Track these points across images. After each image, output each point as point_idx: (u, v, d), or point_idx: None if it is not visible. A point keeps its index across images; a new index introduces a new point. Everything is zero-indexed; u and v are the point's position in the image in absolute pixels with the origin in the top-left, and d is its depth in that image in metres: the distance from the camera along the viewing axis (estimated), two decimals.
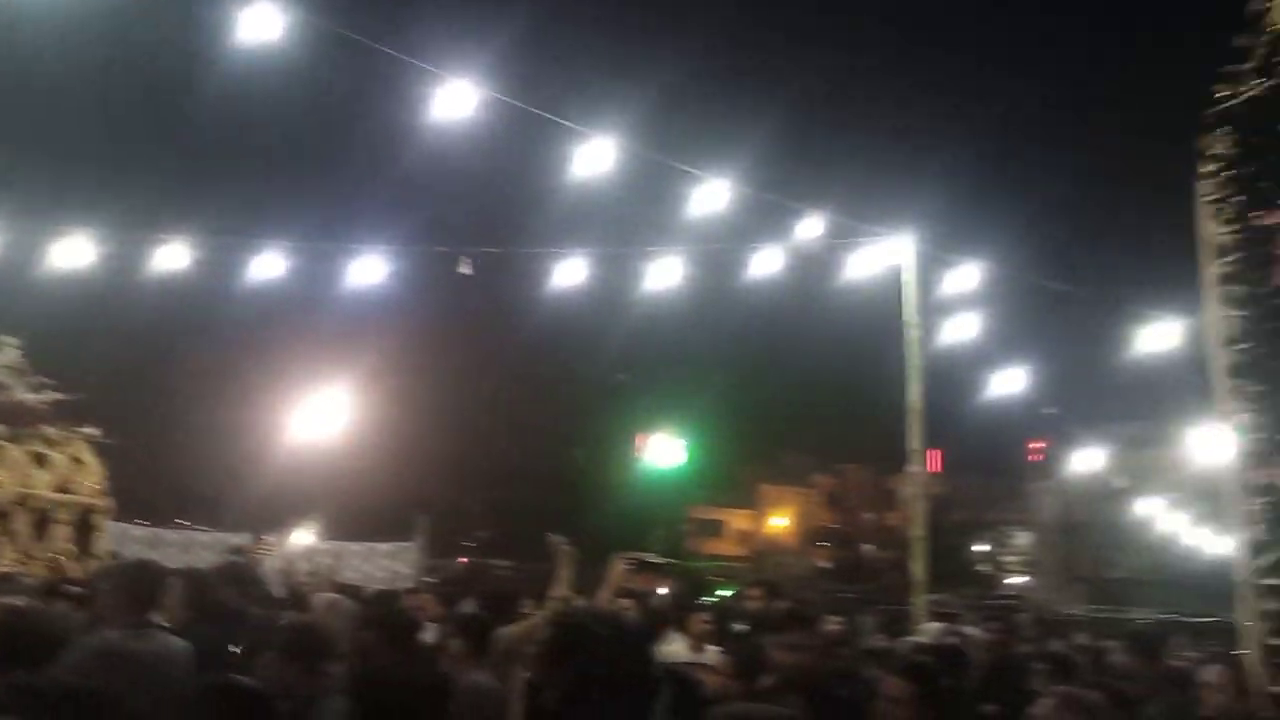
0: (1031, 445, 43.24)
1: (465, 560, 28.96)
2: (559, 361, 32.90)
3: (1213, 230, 3.24)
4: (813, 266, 10.99)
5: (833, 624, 6.32)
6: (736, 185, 9.28)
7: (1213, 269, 3.24)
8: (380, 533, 14.09)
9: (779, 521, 58.25)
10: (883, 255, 10.68)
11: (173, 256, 10.42)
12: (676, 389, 36.21)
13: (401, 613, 5.16)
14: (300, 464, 20.78)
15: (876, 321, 12.15)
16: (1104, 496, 32.25)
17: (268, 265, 10.65)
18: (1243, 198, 3.16)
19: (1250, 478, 3.06)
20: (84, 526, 11.21)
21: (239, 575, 6.02)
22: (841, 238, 10.56)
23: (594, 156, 8.36)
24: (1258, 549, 3.03)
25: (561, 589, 5.94)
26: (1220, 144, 3.27)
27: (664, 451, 37.54)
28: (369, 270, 10.73)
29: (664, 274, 10.92)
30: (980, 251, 11.50)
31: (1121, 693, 4.04)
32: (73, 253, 10.03)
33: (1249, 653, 3.01)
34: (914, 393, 10.74)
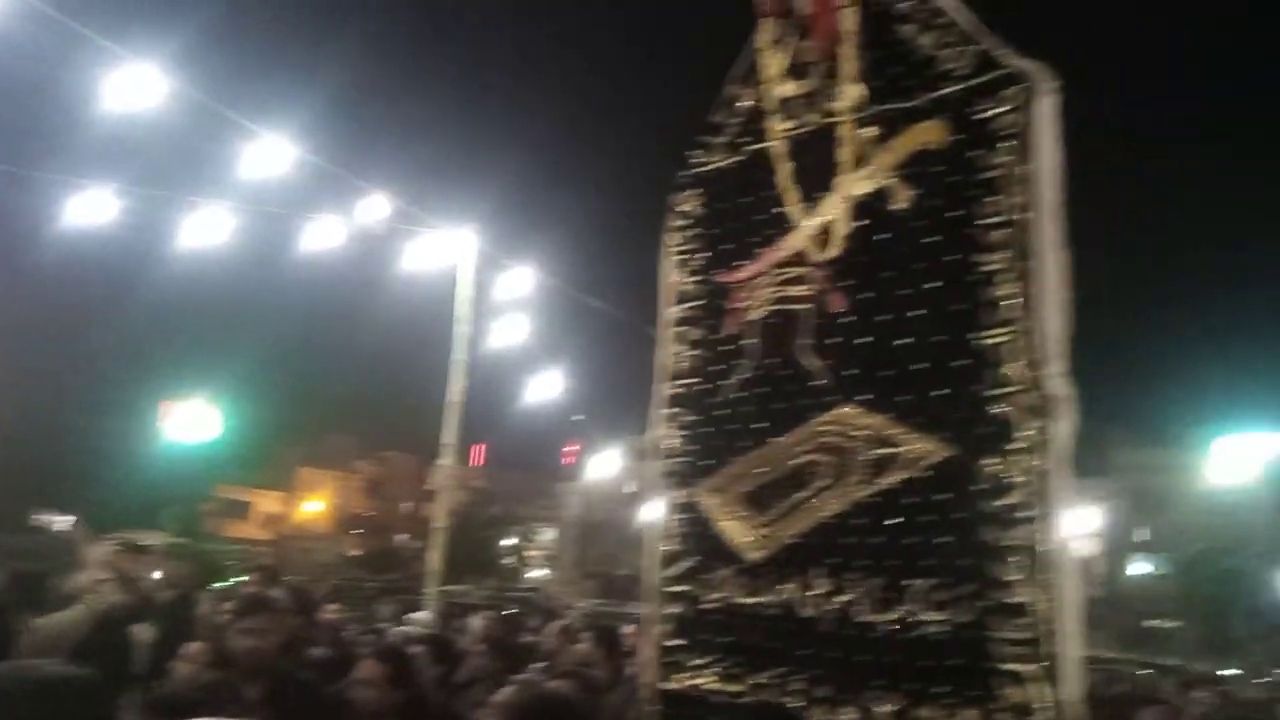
0: (567, 448, 45.95)
1: None
2: (76, 310, 29.00)
3: (676, 278, 3.70)
4: (373, 248, 10.78)
5: (331, 612, 6.23)
6: (300, 150, 8.83)
7: (671, 311, 3.70)
8: None
9: (313, 506, 56.25)
10: (443, 247, 10.77)
11: None
12: (215, 356, 33.56)
13: None
14: None
15: (434, 312, 12.19)
16: (617, 500, 35.20)
17: None
18: (707, 254, 3.58)
19: (673, 496, 3.51)
20: None
21: None
22: (406, 224, 10.48)
23: (136, 87, 7.49)
24: (670, 558, 3.47)
25: (95, 574, 5.14)
26: (690, 204, 3.70)
27: (193, 422, 34.51)
28: None
29: (209, 229, 10.07)
30: (533, 258, 12.03)
31: (590, 680, 4.39)
32: None
33: (648, 652, 3.44)
34: (455, 388, 10.91)
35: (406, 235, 10.51)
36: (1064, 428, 2.67)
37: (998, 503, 2.68)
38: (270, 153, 8.65)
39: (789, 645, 3.04)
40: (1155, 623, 38.42)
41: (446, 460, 11.12)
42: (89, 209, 9.57)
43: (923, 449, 2.87)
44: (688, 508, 3.47)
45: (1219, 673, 21.50)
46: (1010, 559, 2.62)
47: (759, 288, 3.38)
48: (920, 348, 2.92)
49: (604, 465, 25.45)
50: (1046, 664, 2.52)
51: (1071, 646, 2.55)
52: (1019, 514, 2.64)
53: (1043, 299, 2.73)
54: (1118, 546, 41.59)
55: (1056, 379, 2.70)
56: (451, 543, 10.36)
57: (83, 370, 30.99)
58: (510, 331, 12.50)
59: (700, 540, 3.41)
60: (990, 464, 2.71)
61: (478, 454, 57.33)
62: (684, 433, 3.57)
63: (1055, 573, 2.57)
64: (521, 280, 11.91)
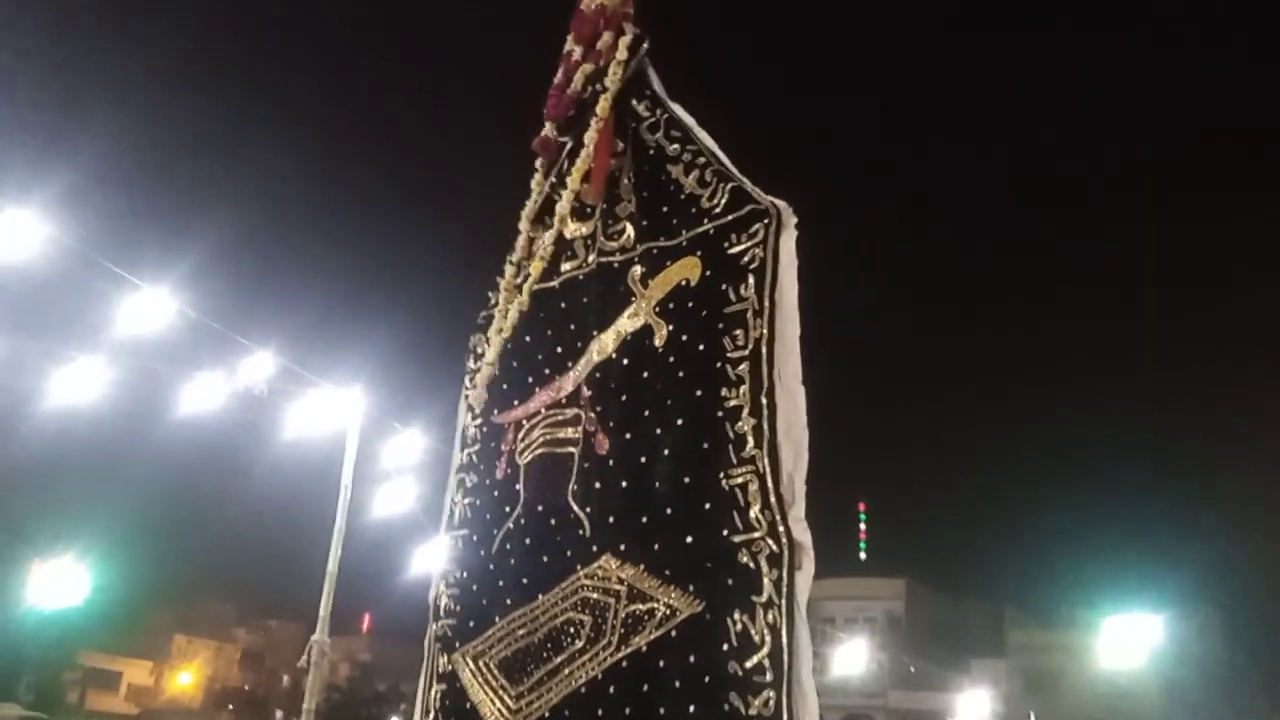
0: None
1: None
2: None
3: (464, 421, 3.55)
4: (256, 407, 10.50)
5: None
6: (180, 304, 8.66)
7: (455, 457, 3.59)
8: None
9: (186, 678, 52.58)
10: (328, 408, 10.53)
11: None
12: (86, 513, 31.81)
13: None
14: None
15: (320, 474, 11.80)
16: None
17: None
18: (487, 396, 3.49)
19: (437, 664, 3.31)
20: None
21: None
22: (290, 383, 10.26)
23: (8, 234, 7.31)
24: None
25: None
26: (481, 345, 3.63)
27: (59, 583, 32.39)
28: None
29: (84, 382, 9.71)
30: (423, 422, 11.84)
31: None
32: None
33: None
34: (334, 558, 10.46)
35: (290, 395, 10.28)
36: (804, 578, 2.48)
37: (743, 664, 2.45)
38: (148, 306, 8.47)
39: None
40: None
41: (321, 635, 10.52)
42: None
43: (671, 605, 2.65)
44: (449, 678, 3.21)
45: None
46: None
47: (531, 430, 3.24)
48: (673, 490, 2.75)
49: None
50: None
51: None
52: (761, 678, 2.42)
53: (780, 436, 2.59)
54: None
55: (797, 523, 2.52)
56: None
57: None
58: (399, 496, 12.16)
59: (459, 716, 3.14)
60: (735, 620, 2.49)
61: (363, 622, 54.74)
62: (452, 591, 3.36)
63: None
64: (411, 444, 11.68)
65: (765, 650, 2.42)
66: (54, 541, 31.63)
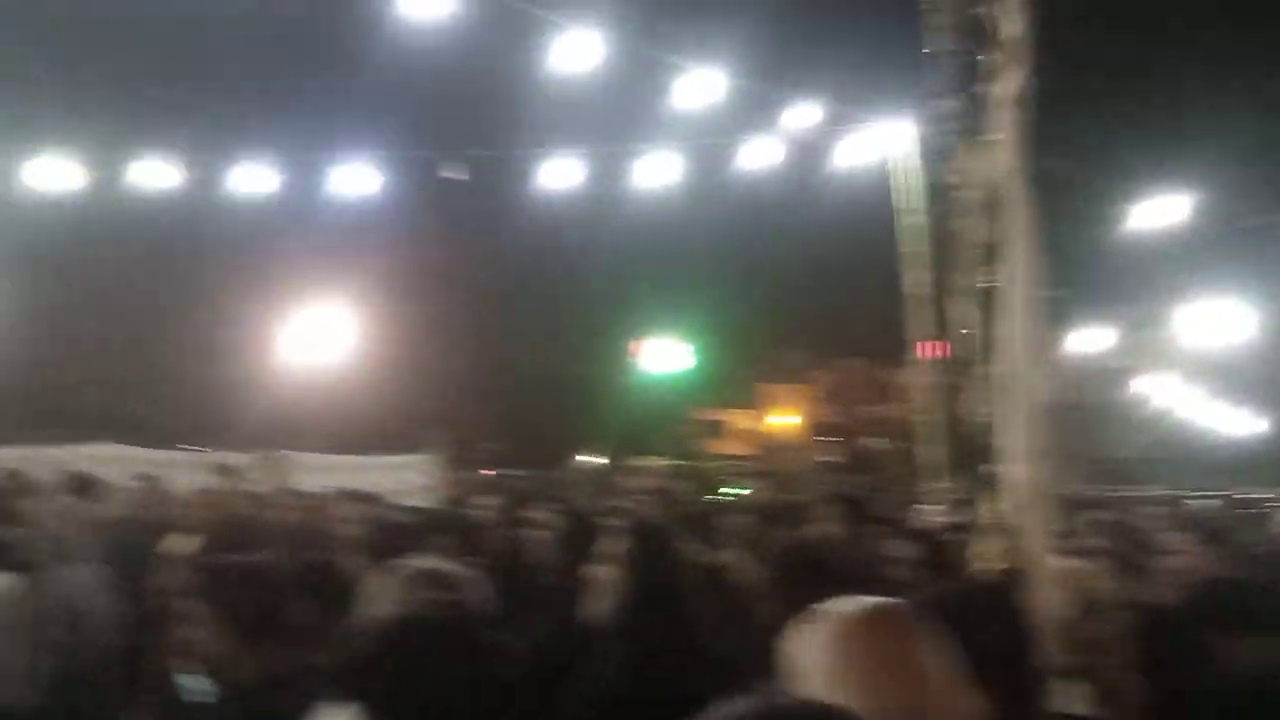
0: None
1: (488, 472, 28.28)
2: (555, 267, 32.45)
3: None
4: (807, 155, 10.76)
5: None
6: (723, 75, 9.01)
7: None
8: (385, 449, 14.10)
9: (779, 419, 58.57)
10: (881, 136, 10.44)
11: (157, 175, 10.28)
12: (677, 291, 35.81)
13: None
14: (300, 382, 20.80)
15: (877, 207, 11.89)
16: (1104, 377, 32.72)
17: (254, 180, 10.49)
18: None
19: None
20: None
21: None
22: (836, 123, 10.31)
23: (575, 50, 8.09)
24: None
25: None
26: None
27: (664, 356, 37.69)
28: (357, 180, 10.57)
29: (655, 171, 10.74)
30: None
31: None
32: (53, 174, 9.88)
33: None
34: (909, 280, 10.58)
35: (841, 135, 10.33)
36: None
37: None
38: (700, 85, 8.94)
39: None
40: None
41: (915, 354, 10.87)
42: (549, 173, 10.62)
43: None
44: None
45: None
46: None
47: None
48: None
49: (1085, 341, 24.80)
50: None
51: None
52: None
53: None
54: None
55: None
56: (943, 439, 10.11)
57: (566, 320, 34.76)
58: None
59: None
60: None
61: (938, 350, 55.83)
62: None
63: None
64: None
65: None
66: (653, 320, 36.34)
